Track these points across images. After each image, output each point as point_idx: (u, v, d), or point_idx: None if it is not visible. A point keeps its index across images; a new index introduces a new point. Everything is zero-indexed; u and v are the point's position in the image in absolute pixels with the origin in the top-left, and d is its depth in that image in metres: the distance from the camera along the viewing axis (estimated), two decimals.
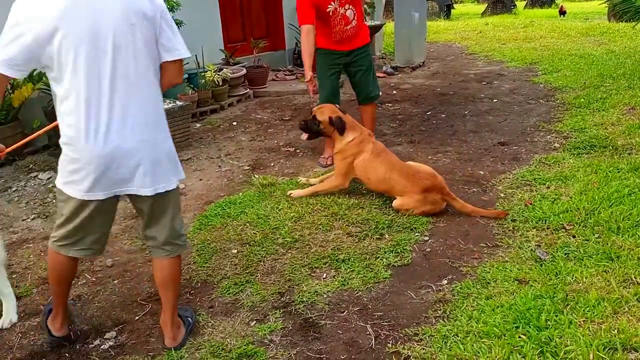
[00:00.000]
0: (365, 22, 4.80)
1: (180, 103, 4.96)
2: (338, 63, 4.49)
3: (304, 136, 4.18)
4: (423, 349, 2.40)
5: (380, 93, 4.91)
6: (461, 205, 3.59)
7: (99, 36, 2.05)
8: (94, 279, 3.17)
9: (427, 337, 2.47)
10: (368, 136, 3.95)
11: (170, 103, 4.92)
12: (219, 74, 6.17)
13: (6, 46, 2.02)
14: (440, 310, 2.66)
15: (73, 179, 2.21)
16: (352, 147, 3.90)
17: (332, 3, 4.24)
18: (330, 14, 4.26)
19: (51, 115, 5.03)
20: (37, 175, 4.64)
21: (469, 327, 2.49)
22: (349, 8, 4.31)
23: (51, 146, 5.16)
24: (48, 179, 4.57)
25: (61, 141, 2.20)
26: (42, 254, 3.48)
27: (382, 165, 3.79)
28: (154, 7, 2.17)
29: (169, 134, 2.38)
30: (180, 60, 2.31)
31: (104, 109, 2.10)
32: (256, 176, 4.45)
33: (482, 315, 2.55)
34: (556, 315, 2.49)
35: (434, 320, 2.60)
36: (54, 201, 4.23)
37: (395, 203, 3.68)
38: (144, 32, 2.14)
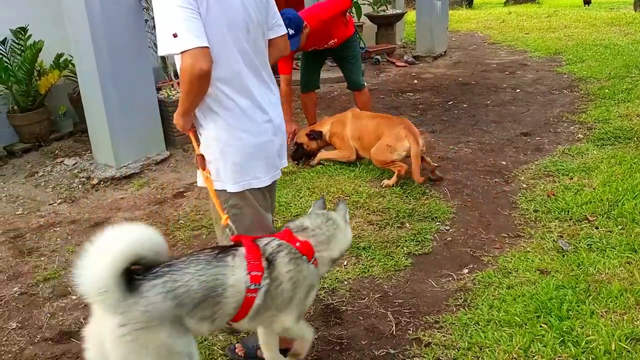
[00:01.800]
0: (351, 17, 5.18)
1: None
2: (320, 55, 4.80)
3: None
4: (444, 336, 2.42)
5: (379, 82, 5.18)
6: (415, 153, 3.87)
7: None
8: None
9: (447, 325, 2.49)
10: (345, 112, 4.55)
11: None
12: None
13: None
14: (461, 298, 2.67)
15: None
16: (336, 126, 4.42)
17: (313, 48, 4.60)
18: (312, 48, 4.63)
19: (76, 102, 5.11)
20: (62, 161, 4.73)
21: (490, 316, 2.50)
22: (325, 42, 4.60)
23: (76, 133, 5.24)
24: (74, 164, 4.66)
25: None
26: (69, 237, 3.56)
27: (366, 122, 4.28)
28: None
29: None
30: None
31: None
32: None
33: (503, 304, 2.56)
34: (578, 306, 2.49)
35: (454, 309, 2.62)
36: (80, 186, 4.32)
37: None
38: None
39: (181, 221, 3.67)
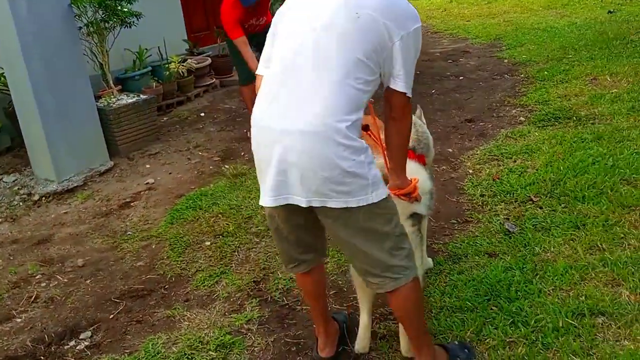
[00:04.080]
0: None
1: (145, 96, 4.87)
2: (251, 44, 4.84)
3: None
4: (398, 326, 2.43)
5: None
6: None
7: None
8: (65, 280, 3.12)
9: None
10: None
11: (134, 97, 4.84)
12: (183, 65, 6.08)
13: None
14: None
15: None
16: None
17: (251, 20, 4.63)
18: (246, 26, 4.65)
19: (12, 116, 4.90)
20: (1, 179, 4.53)
21: (442, 303, 2.53)
22: (260, 16, 4.70)
23: (14, 148, 5.03)
24: (13, 181, 4.47)
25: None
26: (11, 257, 3.42)
27: None
28: None
29: None
30: None
31: None
32: (227, 167, 4.42)
33: (455, 290, 2.60)
34: (526, 286, 2.55)
35: None
36: (21, 204, 4.15)
37: None
38: None
39: (129, 232, 3.57)
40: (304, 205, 1.76)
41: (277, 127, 1.73)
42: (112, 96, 4.79)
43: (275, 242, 2.12)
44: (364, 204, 1.73)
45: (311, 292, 2.19)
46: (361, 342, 2.28)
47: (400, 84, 1.77)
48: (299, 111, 1.71)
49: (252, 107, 5.17)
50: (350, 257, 1.96)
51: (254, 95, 5.22)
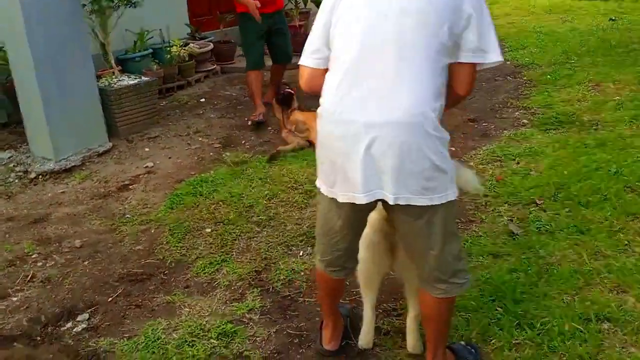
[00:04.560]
0: None
1: (146, 79, 4.80)
2: (262, 28, 4.93)
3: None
4: (403, 323, 2.41)
5: None
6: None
7: None
8: (63, 261, 3.07)
9: (405, 313, 2.48)
10: None
11: (136, 78, 4.76)
12: (185, 49, 6.00)
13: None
14: None
15: None
16: None
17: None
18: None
19: (9, 91, 4.80)
20: None
21: None
22: None
23: (10, 124, 4.93)
24: (9, 157, 4.38)
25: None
26: (7, 235, 3.35)
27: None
28: None
29: None
30: None
31: None
32: (227, 154, 4.37)
33: None
34: (531, 288, 2.55)
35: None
36: (17, 181, 4.08)
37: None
38: None
39: (127, 215, 3.51)
40: (391, 202, 1.67)
41: (359, 119, 1.65)
42: (113, 76, 4.71)
43: (324, 242, 1.97)
44: (444, 202, 1.69)
45: (333, 292, 2.16)
46: (365, 337, 2.26)
47: (479, 55, 1.70)
48: (385, 101, 1.63)
49: (257, 92, 5.24)
50: (421, 261, 1.85)
51: (259, 81, 5.35)
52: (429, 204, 1.67)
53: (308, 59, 1.84)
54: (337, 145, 1.71)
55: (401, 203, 1.67)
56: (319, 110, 1.79)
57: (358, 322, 2.38)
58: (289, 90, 4.88)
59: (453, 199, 1.72)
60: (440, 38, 1.64)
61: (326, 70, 1.82)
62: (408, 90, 1.63)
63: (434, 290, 1.86)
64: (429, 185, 1.65)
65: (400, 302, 2.56)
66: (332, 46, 1.77)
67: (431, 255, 1.78)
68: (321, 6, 1.83)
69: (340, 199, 1.74)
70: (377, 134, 1.63)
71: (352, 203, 1.73)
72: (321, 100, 1.79)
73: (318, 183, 1.87)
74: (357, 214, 1.83)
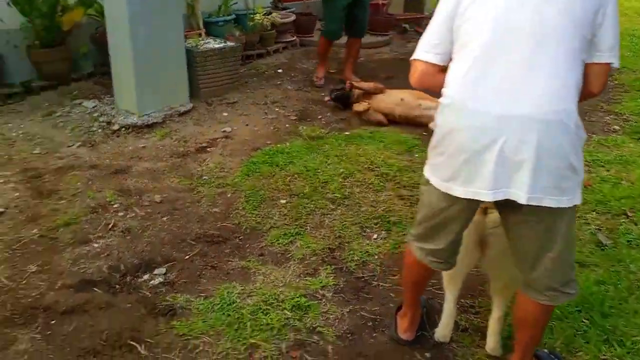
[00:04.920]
0: None
1: (231, 44, 4.81)
2: (347, 0, 4.99)
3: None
4: (481, 321, 2.35)
5: None
6: None
7: None
8: (143, 213, 3.13)
9: (484, 310, 2.41)
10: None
11: (221, 42, 4.78)
12: (267, 18, 5.99)
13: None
14: None
15: None
16: None
17: None
18: None
19: (98, 42, 4.93)
20: (81, 103, 4.57)
21: None
22: None
23: (96, 74, 5.07)
24: (93, 107, 4.50)
25: None
26: (90, 182, 3.45)
27: None
28: None
29: None
30: None
31: None
32: (303, 127, 4.35)
33: None
34: (620, 303, 2.42)
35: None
36: (99, 131, 4.19)
37: None
38: None
39: (205, 177, 3.55)
40: (523, 201, 1.57)
41: (490, 111, 1.55)
42: (199, 39, 4.74)
43: (428, 233, 1.86)
44: (571, 205, 1.61)
45: (423, 282, 2.10)
46: (443, 330, 2.20)
47: (614, 55, 1.61)
48: (522, 94, 1.53)
49: (322, 59, 5.29)
50: (531, 266, 1.73)
51: (327, 50, 5.40)
52: (558, 206, 1.58)
53: (428, 53, 1.73)
54: (463, 138, 1.61)
55: (533, 204, 1.57)
56: (441, 99, 1.70)
57: (433, 314, 2.33)
58: (343, 88, 4.74)
59: (579, 202, 1.62)
60: (583, 30, 1.53)
61: (443, 67, 1.72)
62: (548, 82, 1.53)
63: (539, 297, 1.77)
64: (563, 186, 1.56)
65: (479, 299, 2.49)
66: (458, 35, 1.66)
67: (547, 260, 1.69)
68: None
69: (460, 194, 1.64)
70: (512, 128, 1.53)
71: (470, 199, 1.64)
72: (444, 89, 1.70)
73: (427, 174, 1.78)
74: (472, 209, 1.75)
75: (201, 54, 4.50)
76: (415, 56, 1.77)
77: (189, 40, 4.74)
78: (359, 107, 4.49)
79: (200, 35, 4.80)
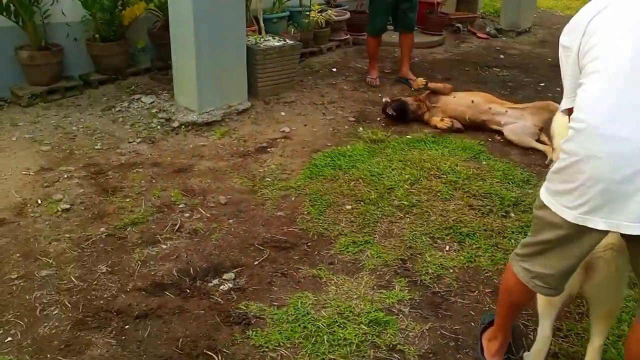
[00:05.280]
0: None
1: (291, 42, 4.73)
2: None
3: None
4: (570, 346, 2.22)
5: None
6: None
7: None
8: (208, 215, 3.08)
9: (572, 334, 2.29)
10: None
11: (281, 40, 4.71)
12: (322, 15, 5.88)
13: None
14: (584, 305, 2.44)
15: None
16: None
17: None
18: None
19: (156, 37, 4.92)
20: (140, 98, 4.56)
21: (620, 331, 2.28)
22: None
23: (152, 70, 5.06)
24: (151, 103, 4.49)
25: None
26: (153, 180, 3.42)
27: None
28: None
29: None
30: None
31: None
32: (362, 129, 4.25)
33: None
34: None
35: (577, 316, 2.40)
36: (159, 127, 4.16)
37: None
38: None
39: (267, 179, 3.49)
40: None
41: (634, 139, 1.42)
42: (259, 36, 4.68)
43: (540, 257, 1.75)
44: None
45: (521, 305, 2.00)
46: (537, 356, 2.08)
47: None
48: None
49: (373, 57, 5.26)
50: None
51: (376, 47, 5.37)
52: None
53: (569, 102, 1.66)
54: (601, 166, 1.47)
55: None
56: (571, 124, 1.57)
57: (519, 337, 2.21)
58: (399, 99, 4.53)
59: None
60: None
61: None
62: None
63: None
64: None
65: (566, 322, 2.36)
66: (587, 60, 1.55)
67: None
68: (562, 45, 1.65)
69: (601, 227, 1.51)
70: None
71: (598, 230, 1.52)
72: (575, 114, 1.57)
73: (545, 198, 1.64)
74: (599, 239, 1.62)
75: (261, 52, 4.43)
76: (561, 107, 1.73)
77: (249, 37, 4.68)
78: (441, 123, 4.27)
79: (259, 32, 4.73)
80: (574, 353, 2.20)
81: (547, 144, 3.95)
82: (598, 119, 1.48)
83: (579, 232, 1.57)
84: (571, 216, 1.54)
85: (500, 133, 4.19)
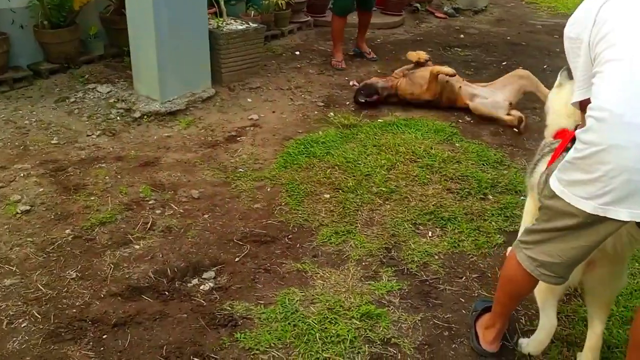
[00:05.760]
0: None
1: (255, 25, 4.55)
2: None
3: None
4: (563, 329, 2.21)
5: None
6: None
7: None
8: (181, 211, 2.93)
9: (563, 317, 2.28)
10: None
11: (244, 24, 4.52)
12: None
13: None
14: (571, 287, 2.44)
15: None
16: None
17: None
18: None
19: (108, 22, 4.65)
20: (95, 88, 4.30)
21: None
22: None
23: (107, 57, 4.79)
24: (108, 92, 4.24)
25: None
26: (118, 176, 3.23)
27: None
28: None
29: None
30: None
31: None
32: (332, 114, 4.15)
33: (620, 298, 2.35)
34: None
35: (565, 299, 2.40)
36: (119, 118, 3.94)
37: None
38: None
39: (240, 169, 3.35)
40: None
41: None
42: (221, 19, 4.48)
43: (548, 245, 1.69)
44: None
45: (522, 294, 1.95)
46: (538, 345, 2.04)
47: None
48: None
49: (338, 39, 5.11)
50: None
51: (341, 29, 5.32)
52: None
53: (582, 93, 1.62)
54: (627, 156, 1.41)
55: None
56: (590, 113, 1.50)
57: (511, 322, 2.19)
58: (366, 84, 4.38)
59: None
60: None
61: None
62: None
63: None
64: None
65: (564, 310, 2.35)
66: (601, 48, 1.50)
67: None
68: (568, 37, 1.64)
69: (625, 218, 1.45)
70: None
71: (617, 220, 1.47)
72: (593, 102, 1.50)
73: (556, 187, 1.58)
74: (615, 230, 1.58)
75: (225, 36, 4.24)
76: (574, 99, 1.68)
77: (212, 21, 4.47)
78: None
79: (221, 15, 4.52)
80: (567, 336, 2.19)
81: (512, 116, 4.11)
82: (622, 107, 1.42)
83: (596, 221, 1.53)
84: (590, 207, 1.48)
85: (469, 112, 4.19)
